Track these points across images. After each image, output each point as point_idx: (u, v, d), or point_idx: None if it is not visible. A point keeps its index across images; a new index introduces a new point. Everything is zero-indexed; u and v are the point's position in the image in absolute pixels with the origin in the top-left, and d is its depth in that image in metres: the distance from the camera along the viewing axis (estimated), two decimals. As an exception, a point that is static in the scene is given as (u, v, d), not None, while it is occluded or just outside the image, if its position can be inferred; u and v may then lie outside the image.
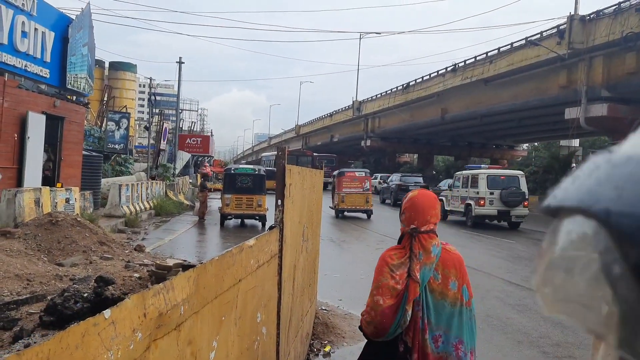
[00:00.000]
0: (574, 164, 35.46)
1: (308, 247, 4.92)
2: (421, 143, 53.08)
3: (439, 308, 2.56)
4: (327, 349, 5.56)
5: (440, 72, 37.37)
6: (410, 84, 41.95)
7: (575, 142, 40.44)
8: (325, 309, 6.90)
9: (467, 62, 33.85)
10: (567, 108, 26.34)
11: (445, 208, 19.68)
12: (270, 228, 3.17)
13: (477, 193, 18.42)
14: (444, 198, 20.22)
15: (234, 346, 2.23)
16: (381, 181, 35.69)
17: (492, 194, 18.09)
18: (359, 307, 7.27)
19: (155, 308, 1.40)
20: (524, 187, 18.57)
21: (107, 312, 1.17)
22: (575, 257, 0.35)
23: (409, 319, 2.49)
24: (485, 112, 33.88)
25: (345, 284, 8.73)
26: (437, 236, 2.61)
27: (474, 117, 36.41)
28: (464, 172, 21.12)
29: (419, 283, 2.50)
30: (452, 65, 35.45)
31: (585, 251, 0.34)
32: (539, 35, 27.15)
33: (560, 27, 25.38)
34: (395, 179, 30.13)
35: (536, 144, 53.86)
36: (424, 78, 39.79)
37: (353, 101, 53.26)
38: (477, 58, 32.77)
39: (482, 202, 18.18)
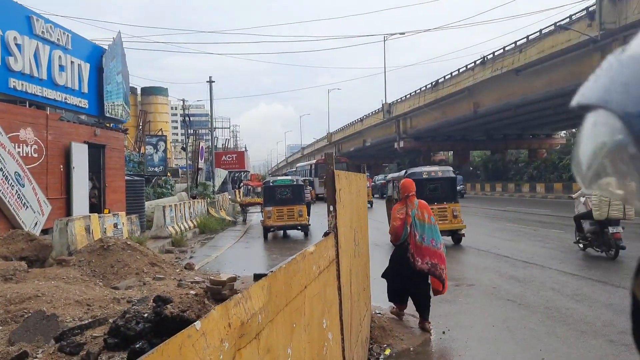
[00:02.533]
0: None
1: (360, 251, 4.89)
2: (455, 139, 52.33)
3: (421, 226, 6.06)
4: (387, 352, 5.50)
5: (469, 67, 36.85)
6: (439, 81, 41.49)
7: (617, 124, 39.00)
8: (379, 313, 6.84)
9: (496, 53, 33.27)
10: (606, 89, 25.55)
11: None
12: (326, 234, 3.16)
13: None
14: None
15: (305, 353, 2.22)
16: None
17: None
18: (412, 308, 7.18)
19: (237, 318, 1.41)
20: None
21: (197, 324, 1.19)
22: (600, 141, 0.45)
23: (409, 231, 6.04)
24: (519, 102, 33.14)
25: (395, 287, 8.64)
26: (415, 197, 6.20)
27: (507, 109, 35.68)
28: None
29: (410, 216, 6.05)
30: (481, 58, 34.89)
31: (606, 136, 0.43)
32: (568, 19, 26.49)
33: (590, 9, 24.71)
34: (380, 178, 41.13)
35: (574, 130, 52.20)
36: (453, 74, 39.30)
37: (382, 104, 53.00)
38: (506, 48, 32.18)
39: None
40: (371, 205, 28.08)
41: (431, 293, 6.29)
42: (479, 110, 37.19)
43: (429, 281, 6.19)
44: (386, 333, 5.99)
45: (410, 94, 48.28)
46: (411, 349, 5.68)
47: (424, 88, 44.45)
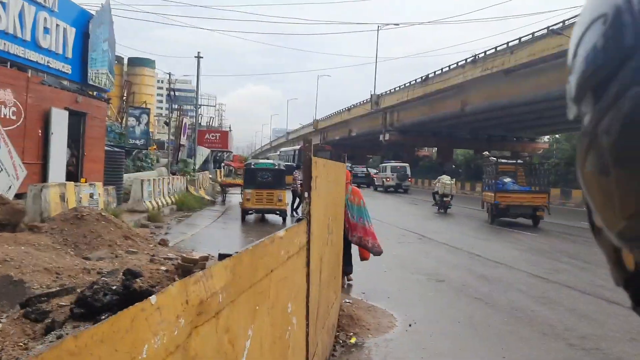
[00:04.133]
0: None
1: (333, 240, 4.92)
2: (441, 136, 52.65)
3: (351, 207, 7.59)
4: (353, 340, 5.57)
5: (459, 64, 36.97)
6: (429, 76, 41.57)
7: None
8: (349, 302, 6.91)
9: (488, 52, 33.41)
10: (591, 99, 25.85)
11: (376, 183, 39.30)
12: (298, 220, 3.18)
13: (386, 174, 37.41)
14: (375, 178, 39.87)
15: (267, 335, 2.24)
16: None
17: (393, 174, 36.83)
18: (382, 299, 7.28)
19: (196, 295, 1.42)
20: (408, 171, 37.64)
21: (153, 298, 1.19)
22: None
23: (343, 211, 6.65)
24: (506, 103, 33.42)
25: (367, 278, 8.73)
26: (350, 184, 7.83)
27: (494, 109, 35.97)
28: (382, 164, 40.41)
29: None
30: (472, 56, 35.03)
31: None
32: (561, 24, 26.64)
33: (583, 16, 24.87)
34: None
35: (557, 135, 52.84)
36: (443, 70, 39.39)
37: (371, 94, 52.95)
38: (498, 48, 32.32)
39: (388, 179, 36.95)
40: None
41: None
42: (467, 109, 37.42)
43: (351, 251, 8.03)
44: (354, 322, 6.06)
45: (399, 86, 48.30)
46: (377, 339, 5.76)
47: (414, 82, 44.50)
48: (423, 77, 42.47)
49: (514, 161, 20.84)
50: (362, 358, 5.22)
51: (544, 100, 30.91)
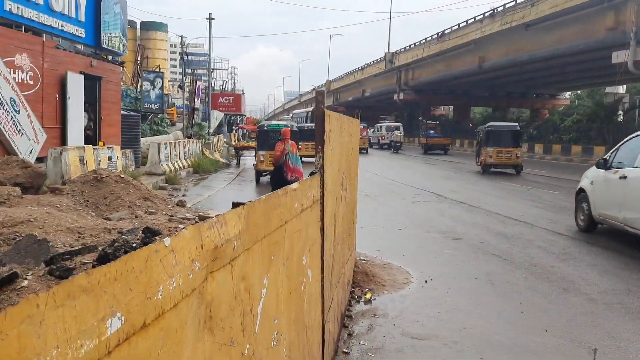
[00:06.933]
0: (620, 112, 34.10)
1: (347, 196, 4.92)
2: (457, 94, 51.70)
3: (291, 156, 10.44)
4: (368, 296, 5.63)
5: (477, 18, 35.92)
6: (446, 31, 40.52)
7: (622, 89, 38.75)
8: (364, 259, 6.96)
9: (507, 6, 32.33)
10: (615, 51, 25.00)
11: (372, 142, 42.01)
12: (311, 174, 3.16)
13: (381, 133, 42.58)
14: (371, 137, 41.93)
15: (283, 286, 2.26)
16: None
17: (387, 133, 41.37)
18: (397, 257, 7.32)
19: (210, 240, 1.42)
20: (402, 130, 41.63)
21: (167, 240, 1.18)
22: None
23: (284, 159, 10.38)
24: (526, 58, 32.51)
25: (383, 236, 8.78)
26: (289, 139, 10.59)
27: (513, 65, 35.07)
28: (377, 124, 45.52)
29: (285, 149, 10.39)
30: (491, 10, 33.98)
31: None
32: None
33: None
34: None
35: (579, 92, 51.54)
36: (460, 25, 38.36)
37: (385, 53, 51.92)
38: (518, 1, 31.24)
39: (383, 137, 42.04)
40: (367, 151, 34.33)
41: None
42: (484, 65, 36.55)
43: None
44: (369, 278, 6.12)
45: (414, 43, 47.21)
46: (392, 294, 5.82)
47: (429, 38, 43.45)
48: (439, 33, 41.43)
49: (436, 121, 42.90)
50: (378, 313, 5.27)
51: (566, 55, 30.03)
